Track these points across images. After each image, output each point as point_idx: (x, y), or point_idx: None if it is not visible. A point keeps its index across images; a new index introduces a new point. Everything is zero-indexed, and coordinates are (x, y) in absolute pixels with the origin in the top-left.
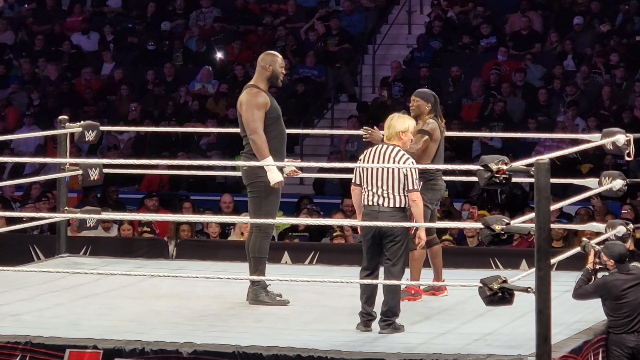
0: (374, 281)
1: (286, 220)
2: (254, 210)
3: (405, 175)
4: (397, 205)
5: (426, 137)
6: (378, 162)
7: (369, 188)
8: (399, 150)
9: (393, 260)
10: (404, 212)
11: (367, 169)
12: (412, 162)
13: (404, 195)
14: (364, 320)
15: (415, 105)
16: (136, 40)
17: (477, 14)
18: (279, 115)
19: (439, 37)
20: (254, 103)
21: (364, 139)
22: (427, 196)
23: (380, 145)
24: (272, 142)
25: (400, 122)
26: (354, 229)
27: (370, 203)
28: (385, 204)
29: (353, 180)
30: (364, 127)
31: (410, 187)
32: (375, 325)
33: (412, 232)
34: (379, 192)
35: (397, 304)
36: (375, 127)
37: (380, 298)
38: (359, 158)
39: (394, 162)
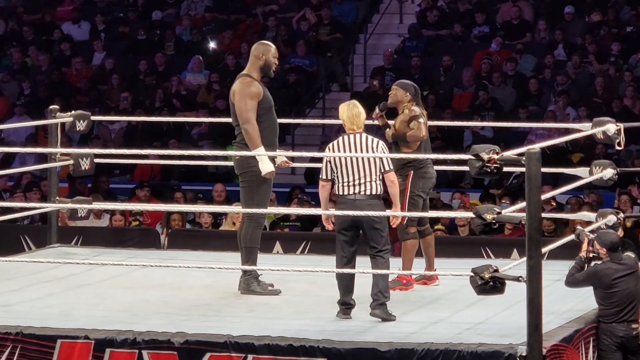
0: (370, 270)
1: (277, 210)
2: (246, 199)
3: (380, 159)
4: (374, 192)
5: (421, 119)
6: (355, 152)
7: (344, 179)
8: (371, 137)
9: (379, 246)
10: (380, 199)
11: (340, 161)
12: (384, 145)
13: (379, 182)
14: (344, 309)
15: (394, 94)
16: (127, 29)
17: (466, 1)
18: (271, 106)
19: (430, 27)
20: (247, 92)
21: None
22: (418, 185)
23: (348, 136)
24: (264, 132)
25: (361, 109)
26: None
27: (345, 193)
28: (362, 192)
29: (324, 176)
30: (375, 113)
31: (387, 168)
32: (354, 313)
33: (404, 222)
34: (355, 182)
35: (387, 285)
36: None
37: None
38: (328, 149)
39: (372, 149)
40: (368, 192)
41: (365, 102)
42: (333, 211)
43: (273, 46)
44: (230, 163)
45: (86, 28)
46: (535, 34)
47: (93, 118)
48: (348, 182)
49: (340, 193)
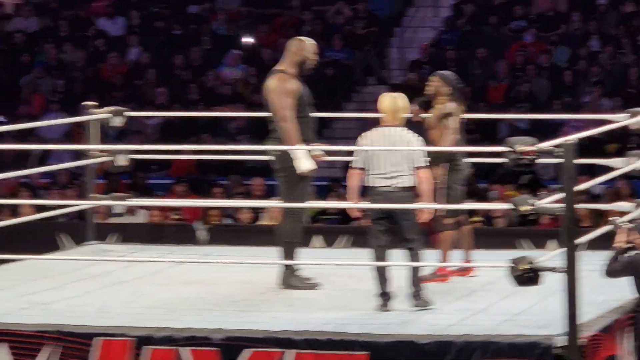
0: (406, 263)
1: (314, 204)
2: (286, 194)
3: (415, 154)
4: (407, 185)
5: (454, 117)
6: (388, 145)
7: (378, 171)
8: (409, 132)
9: (410, 237)
10: (411, 191)
11: (374, 153)
12: (422, 141)
13: (412, 175)
14: (383, 301)
15: (434, 85)
16: (162, 24)
17: None
18: (308, 102)
19: (465, 19)
20: (283, 89)
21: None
22: (451, 177)
23: (387, 128)
24: (300, 128)
25: (404, 103)
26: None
27: (378, 185)
28: (394, 184)
29: (356, 165)
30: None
31: (421, 165)
32: (393, 305)
33: (437, 212)
34: (389, 174)
35: (419, 277)
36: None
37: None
38: (359, 141)
39: (407, 143)
40: (401, 185)
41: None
42: (368, 204)
43: (310, 42)
44: (269, 157)
45: (121, 23)
46: (570, 26)
47: (129, 114)
48: (382, 174)
49: (373, 185)
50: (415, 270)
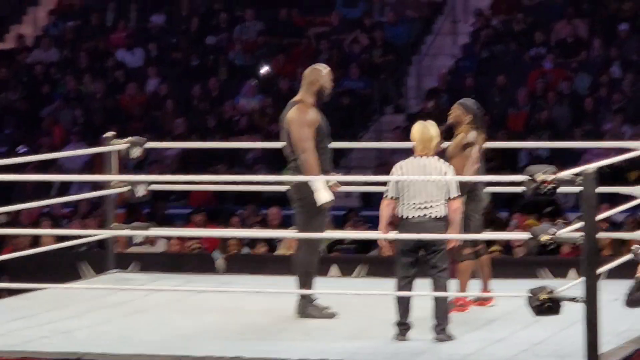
0: (424, 293)
1: (332, 234)
2: (303, 225)
3: (448, 185)
4: (441, 215)
5: (475, 147)
6: (423, 175)
7: (411, 201)
8: (441, 160)
9: (439, 267)
10: (445, 221)
11: (407, 183)
12: (454, 171)
13: (445, 205)
14: (401, 330)
15: (455, 114)
16: (180, 55)
17: (520, 20)
18: (327, 133)
19: (484, 46)
20: (304, 121)
21: None
22: (470, 207)
23: (419, 157)
24: (319, 159)
25: (436, 131)
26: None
27: (412, 215)
28: (429, 215)
29: (390, 195)
30: None
31: (454, 195)
32: (411, 334)
33: (459, 242)
34: (423, 204)
35: (447, 309)
36: None
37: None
38: (393, 171)
39: (440, 172)
40: (434, 215)
41: None
42: (394, 234)
43: (327, 69)
44: (286, 187)
45: (140, 54)
46: (590, 52)
47: (148, 144)
48: (414, 204)
49: (406, 216)
50: (442, 302)
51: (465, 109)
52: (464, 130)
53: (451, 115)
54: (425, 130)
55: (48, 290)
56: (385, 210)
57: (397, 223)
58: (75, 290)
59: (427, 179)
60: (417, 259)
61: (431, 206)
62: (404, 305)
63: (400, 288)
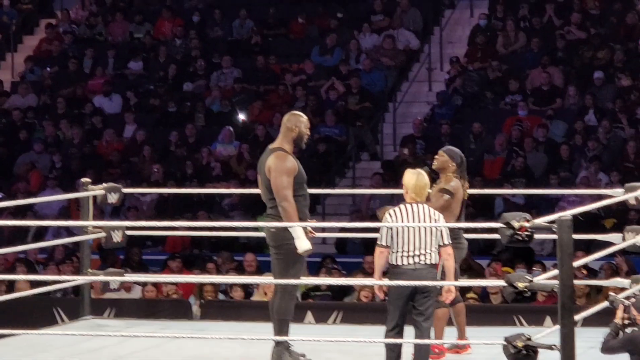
0: (398, 340)
1: (311, 280)
2: (280, 272)
3: (441, 232)
4: (432, 262)
5: (447, 196)
6: (414, 222)
7: (404, 248)
8: (431, 209)
9: (426, 314)
10: (436, 268)
11: (400, 230)
12: (443, 219)
13: (437, 252)
14: None
15: (441, 160)
16: (158, 102)
17: (495, 68)
18: (304, 180)
19: (459, 94)
20: (283, 169)
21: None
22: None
23: (410, 205)
24: (297, 206)
25: (427, 180)
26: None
27: (405, 263)
28: (422, 262)
29: (382, 242)
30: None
31: (446, 242)
32: None
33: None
34: (416, 251)
35: (428, 358)
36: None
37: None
38: (385, 219)
39: (433, 221)
40: (427, 262)
41: (396, 171)
42: (384, 281)
43: (305, 117)
44: (262, 234)
45: (117, 101)
46: (565, 100)
47: (124, 190)
48: (407, 252)
49: (398, 263)
50: (424, 350)
51: (450, 156)
52: (447, 178)
53: (437, 161)
54: (420, 178)
55: (23, 336)
56: (379, 259)
57: (388, 270)
58: (50, 336)
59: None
60: (408, 307)
61: (424, 253)
62: (395, 352)
63: (392, 335)
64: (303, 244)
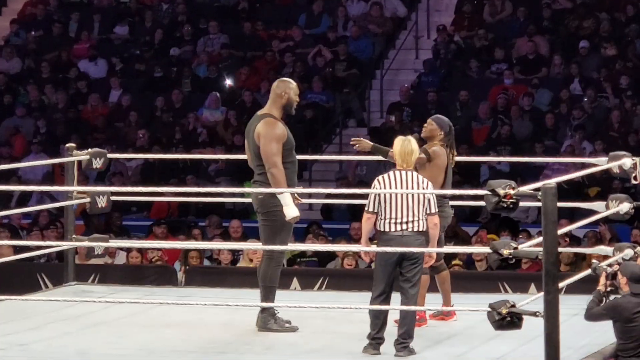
0: (383, 307)
1: (297, 246)
2: (268, 238)
3: (429, 200)
4: (421, 229)
5: (422, 155)
6: (402, 188)
7: (391, 215)
8: (420, 176)
9: (413, 281)
10: (424, 236)
11: (388, 197)
12: (431, 187)
13: (424, 219)
14: (375, 344)
15: (429, 128)
16: (144, 67)
17: (482, 36)
18: (293, 146)
19: (446, 62)
20: (273, 135)
21: (355, 148)
22: None
23: (399, 172)
24: (286, 173)
25: (416, 146)
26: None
27: (393, 229)
28: (410, 229)
29: (370, 209)
30: (353, 139)
31: (433, 211)
32: (383, 348)
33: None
34: (403, 219)
35: (413, 326)
36: (361, 138)
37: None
38: (374, 186)
39: (421, 188)
40: (415, 229)
41: (383, 138)
42: (375, 247)
43: (294, 83)
44: (248, 200)
45: (103, 66)
46: (551, 69)
47: (110, 155)
48: (395, 219)
49: (386, 229)
50: (410, 317)
51: (438, 124)
52: (434, 145)
53: (425, 129)
54: (405, 144)
55: (6, 302)
56: (366, 224)
57: (376, 236)
58: (34, 302)
59: (391, 191)
60: (394, 273)
61: (412, 220)
62: (380, 319)
63: (377, 301)
64: (291, 211)
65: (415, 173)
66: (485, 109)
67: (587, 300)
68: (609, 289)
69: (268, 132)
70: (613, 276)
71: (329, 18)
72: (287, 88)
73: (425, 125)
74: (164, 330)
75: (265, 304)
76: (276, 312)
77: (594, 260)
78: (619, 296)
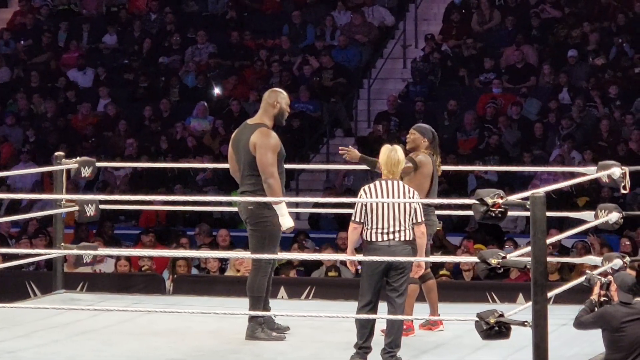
0: (370, 316)
1: (285, 255)
2: (256, 248)
3: (415, 209)
4: (407, 238)
5: (409, 164)
6: (388, 198)
7: (378, 225)
8: (406, 185)
9: (400, 291)
10: (411, 245)
11: (375, 207)
12: (417, 196)
13: (411, 229)
14: (362, 353)
15: (412, 138)
16: (132, 76)
17: (470, 45)
18: (284, 156)
19: (434, 71)
20: (269, 145)
21: (344, 157)
22: None
23: (385, 182)
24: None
25: (402, 156)
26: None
27: (380, 239)
28: (396, 239)
29: (356, 219)
30: (341, 148)
31: (419, 220)
32: (370, 357)
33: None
34: (390, 228)
35: (400, 335)
36: (350, 147)
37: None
38: (360, 195)
39: (405, 197)
40: (402, 239)
41: (370, 148)
42: (359, 257)
43: (285, 93)
44: (235, 209)
45: (91, 75)
46: (540, 78)
47: (98, 164)
48: (381, 228)
49: (373, 239)
50: (397, 327)
51: (421, 133)
52: (419, 154)
53: (409, 139)
54: (392, 154)
55: None
56: (352, 234)
57: (363, 246)
58: (22, 310)
59: (378, 201)
60: (381, 283)
61: (399, 230)
62: (367, 329)
63: (364, 311)
64: (287, 221)
65: (401, 183)
66: (471, 118)
67: (575, 311)
68: (602, 299)
69: (264, 142)
70: (607, 286)
71: (315, 29)
72: (279, 98)
73: (408, 136)
74: (152, 338)
75: (252, 313)
76: (264, 321)
77: (587, 271)
78: (608, 306)
